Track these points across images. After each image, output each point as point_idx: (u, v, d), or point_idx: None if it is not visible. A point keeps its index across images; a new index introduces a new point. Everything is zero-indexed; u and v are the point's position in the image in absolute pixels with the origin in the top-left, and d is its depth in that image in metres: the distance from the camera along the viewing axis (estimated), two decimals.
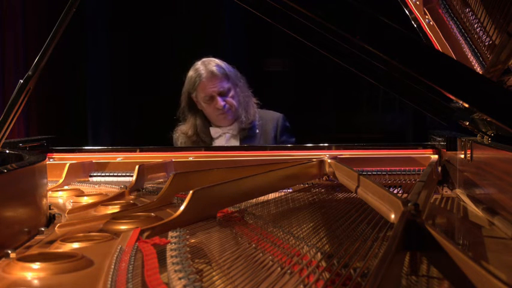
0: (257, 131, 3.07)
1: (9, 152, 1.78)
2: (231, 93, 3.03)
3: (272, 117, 3.14)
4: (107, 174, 2.36)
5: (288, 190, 1.91)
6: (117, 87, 4.90)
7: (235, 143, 3.03)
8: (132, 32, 4.84)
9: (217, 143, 3.06)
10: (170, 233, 1.22)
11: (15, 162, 1.61)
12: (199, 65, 3.07)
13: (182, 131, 3.12)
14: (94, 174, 2.36)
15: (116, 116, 4.96)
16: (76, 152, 2.57)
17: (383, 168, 2.17)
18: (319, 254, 1.08)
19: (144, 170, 2.12)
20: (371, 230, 1.26)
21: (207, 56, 3.12)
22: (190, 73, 3.08)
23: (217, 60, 3.08)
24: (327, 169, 2.02)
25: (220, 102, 2.99)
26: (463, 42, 1.81)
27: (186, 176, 1.84)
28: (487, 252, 1.17)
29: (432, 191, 1.80)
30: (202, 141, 3.06)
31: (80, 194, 1.91)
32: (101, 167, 2.41)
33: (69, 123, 4.66)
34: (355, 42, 1.48)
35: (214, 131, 3.06)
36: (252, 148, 2.64)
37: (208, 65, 3.03)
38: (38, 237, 1.32)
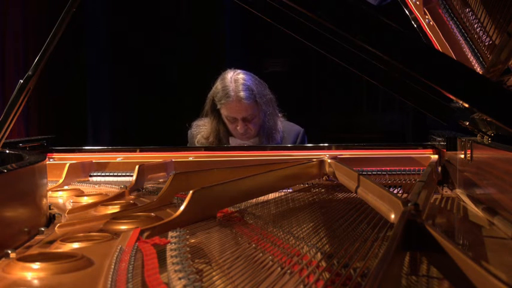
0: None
1: (9, 152, 1.78)
2: (255, 119, 2.93)
3: (293, 131, 3.08)
4: (107, 174, 2.36)
5: (288, 190, 1.91)
6: (117, 87, 4.91)
7: None
8: (133, 32, 4.84)
9: None
10: (170, 233, 1.22)
11: (15, 162, 1.61)
12: (228, 82, 2.90)
13: (203, 135, 3.04)
14: (94, 174, 2.36)
15: (116, 116, 4.97)
16: (76, 152, 2.57)
17: (383, 168, 2.17)
18: (319, 254, 1.08)
19: (144, 170, 2.12)
20: (371, 230, 1.26)
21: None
22: (219, 86, 2.93)
23: (248, 82, 2.92)
24: (327, 169, 2.02)
25: (242, 127, 2.92)
26: (463, 42, 1.81)
27: (186, 176, 1.84)
28: (487, 252, 1.17)
29: (432, 191, 1.80)
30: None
31: (80, 194, 1.91)
32: (101, 167, 2.41)
33: (69, 123, 4.66)
34: (355, 42, 1.48)
35: (233, 141, 3.00)
36: (252, 148, 2.64)
37: (238, 87, 2.88)
38: (38, 237, 1.32)
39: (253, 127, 2.95)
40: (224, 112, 2.95)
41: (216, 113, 2.99)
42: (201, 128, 3.09)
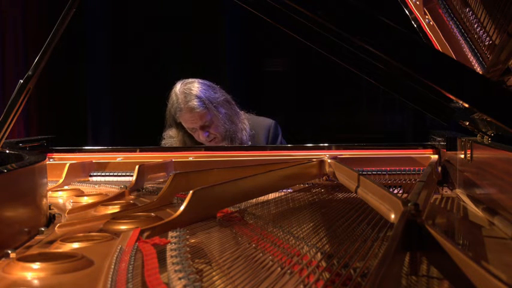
0: (249, 143, 3.01)
1: (9, 152, 1.78)
2: (214, 124, 2.93)
3: (264, 126, 3.07)
4: (107, 174, 2.36)
5: (288, 190, 1.91)
6: (117, 87, 4.90)
7: None
8: (132, 31, 4.84)
9: None
10: (170, 233, 1.22)
11: (15, 162, 1.61)
12: (178, 94, 2.91)
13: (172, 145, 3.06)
14: (94, 174, 2.36)
15: (116, 116, 4.96)
16: (76, 152, 2.57)
17: (383, 168, 2.17)
18: (319, 254, 1.08)
19: (144, 170, 2.12)
20: (371, 230, 1.26)
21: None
22: (172, 98, 2.95)
23: (197, 90, 2.91)
24: (327, 169, 2.02)
25: (203, 135, 2.93)
26: (463, 42, 1.81)
27: (186, 176, 1.84)
28: (487, 252, 1.17)
29: (432, 191, 1.80)
30: None
31: (80, 194, 1.91)
32: (101, 167, 2.41)
33: (69, 123, 4.66)
34: (355, 42, 1.48)
35: None
36: (252, 148, 2.64)
37: (186, 97, 2.88)
38: (38, 237, 1.32)
39: (216, 131, 2.95)
40: (183, 124, 2.97)
41: (179, 125, 3.01)
42: (172, 140, 3.09)
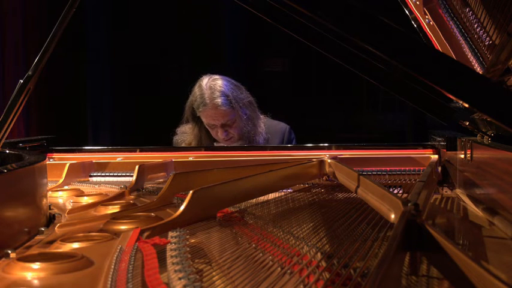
0: None
1: (9, 152, 1.78)
2: (235, 123, 2.92)
3: (279, 131, 3.06)
4: (107, 174, 2.36)
5: (288, 190, 1.91)
6: (117, 87, 4.91)
7: None
8: (133, 32, 4.84)
9: None
10: (170, 233, 1.22)
11: (15, 162, 1.61)
12: (205, 88, 2.89)
13: (186, 142, 3.05)
14: (94, 174, 2.36)
15: (116, 116, 4.97)
16: (76, 152, 2.57)
17: (383, 168, 2.17)
18: (319, 254, 1.08)
19: (144, 170, 2.12)
20: (371, 230, 1.26)
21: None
22: (196, 93, 2.92)
23: (223, 87, 2.89)
24: (327, 169, 2.02)
25: (222, 133, 2.92)
26: (463, 42, 1.81)
27: (186, 176, 1.84)
28: (487, 252, 1.17)
29: (432, 191, 1.80)
30: None
31: (80, 194, 1.91)
32: (101, 167, 2.41)
33: (69, 123, 4.66)
34: (355, 42, 1.48)
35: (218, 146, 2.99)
36: (252, 148, 2.64)
37: (213, 93, 2.86)
38: (38, 237, 1.32)
39: (235, 131, 2.94)
40: (203, 119, 2.95)
41: (197, 119, 2.99)
42: (185, 136, 3.08)
